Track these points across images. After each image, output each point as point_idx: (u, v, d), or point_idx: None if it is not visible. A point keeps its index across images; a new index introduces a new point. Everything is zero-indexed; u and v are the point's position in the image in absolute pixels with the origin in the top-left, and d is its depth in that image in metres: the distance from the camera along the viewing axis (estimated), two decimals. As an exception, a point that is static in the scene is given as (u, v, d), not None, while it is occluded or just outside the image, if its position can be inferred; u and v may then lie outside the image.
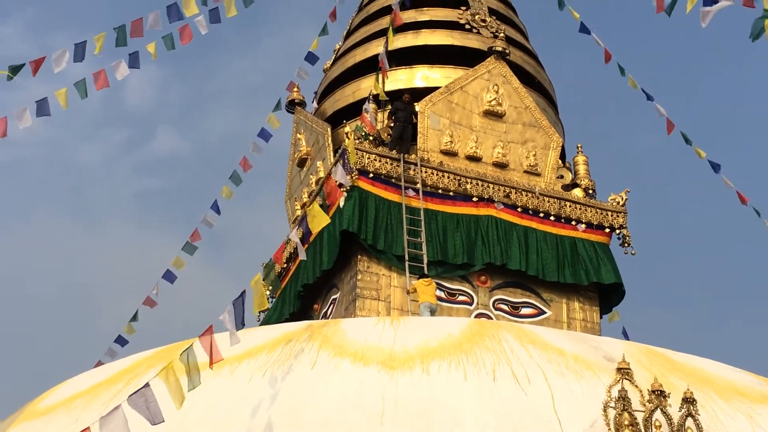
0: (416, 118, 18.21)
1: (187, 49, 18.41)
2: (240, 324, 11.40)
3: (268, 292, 19.75)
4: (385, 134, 18.06)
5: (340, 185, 16.94)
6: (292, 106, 20.60)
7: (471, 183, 17.93)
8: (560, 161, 19.15)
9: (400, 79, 19.15)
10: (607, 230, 18.46)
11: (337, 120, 19.50)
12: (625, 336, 19.47)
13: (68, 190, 47.75)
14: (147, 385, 10.15)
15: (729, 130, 46.38)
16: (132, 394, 10.12)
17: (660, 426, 9.70)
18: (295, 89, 20.73)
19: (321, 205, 13.89)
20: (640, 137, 49.66)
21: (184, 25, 18.23)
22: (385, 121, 18.20)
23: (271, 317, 18.92)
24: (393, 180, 17.48)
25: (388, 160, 17.60)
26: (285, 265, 19.44)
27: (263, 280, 12.62)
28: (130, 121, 50.42)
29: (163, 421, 10.04)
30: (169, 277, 19.95)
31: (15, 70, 16.86)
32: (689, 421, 9.89)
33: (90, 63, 17.98)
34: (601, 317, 18.13)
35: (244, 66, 52.48)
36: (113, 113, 49.55)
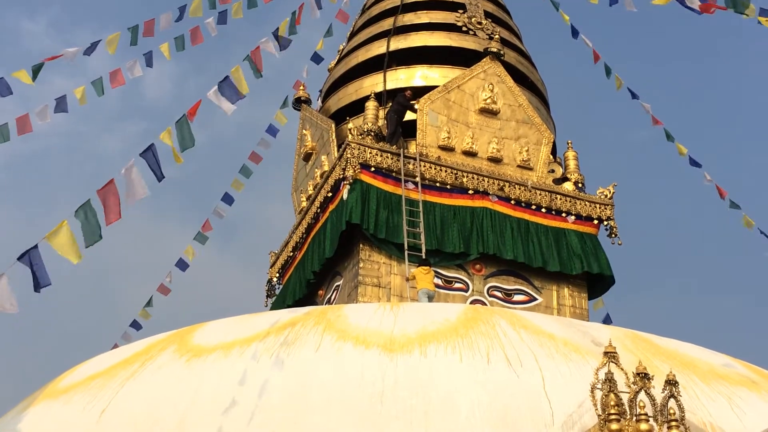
0: (415, 112, 18.14)
1: (202, 46, 18.38)
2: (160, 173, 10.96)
3: (275, 278, 19.79)
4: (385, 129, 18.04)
5: (344, 179, 16.97)
6: (299, 103, 20.56)
7: (467, 177, 17.86)
8: (551, 156, 19.08)
9: (400, 78, 19.11)
10: (596, 222, 18.39)
11: (340, 117, 19.43)
12: (608, 321, 19.49)
13: (89, 180, 47.75)
14: (35, 246, 9.39)
15: (712, 127, 46.37)
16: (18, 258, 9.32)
17: (644, 407, 9.62)
18: (301, 87, 20.71)
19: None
20: (627, 133, 49.60)
21: (194, 27, 18.23)
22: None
23: (279, 303, 18.92)
24: (393, 174, 17.40)
25: (388, 154, 17.53)
26: (291, 254, 19.41)
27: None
28: (148, 114, 50.43)
29: (50, 284, 9.21)
30: (181, 265, 19.95)
31: (37, 69, 16.82)
32: (671, 403, 9.82)
33: (108, 62, 18.00)
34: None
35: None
36: (132, 106, 49.58)
